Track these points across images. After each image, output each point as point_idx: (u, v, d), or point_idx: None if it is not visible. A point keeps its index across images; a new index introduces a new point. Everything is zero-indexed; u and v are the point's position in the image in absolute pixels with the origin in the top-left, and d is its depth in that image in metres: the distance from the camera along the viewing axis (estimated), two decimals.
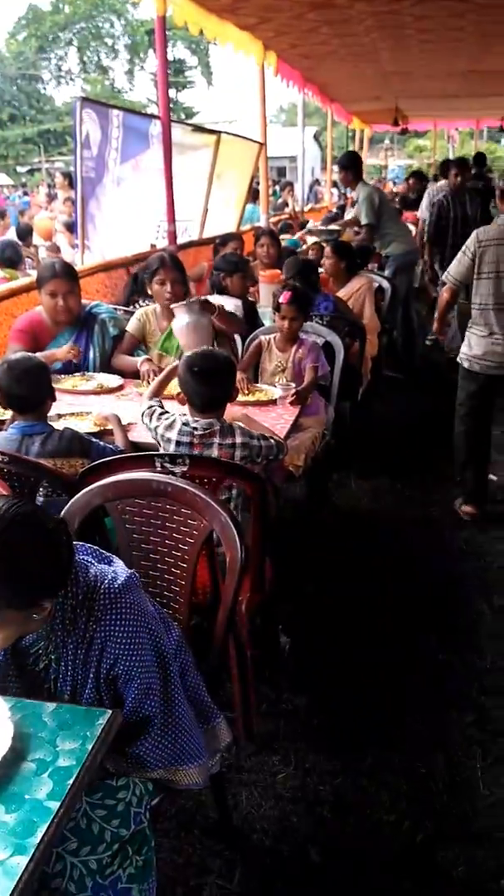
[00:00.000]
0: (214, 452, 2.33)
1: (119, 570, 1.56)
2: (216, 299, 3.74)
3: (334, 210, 9.77)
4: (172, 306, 3.34)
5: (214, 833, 2.06)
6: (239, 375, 3.35)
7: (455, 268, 3.76)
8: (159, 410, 2.50)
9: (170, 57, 30.18)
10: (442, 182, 9.37)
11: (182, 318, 3.27)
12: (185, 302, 3.30)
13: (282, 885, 1.93)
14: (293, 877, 1.95)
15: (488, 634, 2.93)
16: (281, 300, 3.59)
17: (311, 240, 6.97)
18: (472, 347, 3.77)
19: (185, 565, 1.91)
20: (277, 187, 13.87)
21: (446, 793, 2.20)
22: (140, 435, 2.67)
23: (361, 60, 8.19)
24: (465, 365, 3.81)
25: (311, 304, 3.92)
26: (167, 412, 2.49)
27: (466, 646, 2.86)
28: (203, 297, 3.25)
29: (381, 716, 2.51)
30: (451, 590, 3.26)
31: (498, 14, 6.08)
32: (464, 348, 3.84)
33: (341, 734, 2.43)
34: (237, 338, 4.00)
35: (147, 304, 3.90)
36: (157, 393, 2.79)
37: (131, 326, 3.66)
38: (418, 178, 11.62)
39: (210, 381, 2.36)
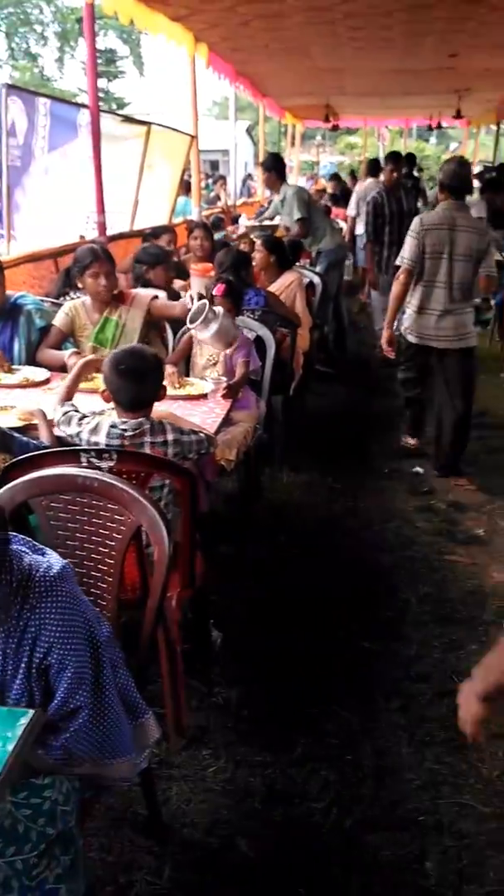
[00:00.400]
0: (147, 451, 2.30)
1: (54, 560, 1.55)
2: (141, 292, 3.71)
3: (266, 205, 9.80)
4: (191, 328, 3.32)
5: (144, 830, 2.05)
6: (169, 369, 3.33)
7: (407, 251, 4.18)
8: (77, 415, 2.41)
9: (101, 46, 29.75)
10: (370, 180, 9.52)
11: (208, 330, 3.27)
12: (200, 320, 3.24)
13: (212, 878, 1.93)
14: (223, 869, 1.96)
15: (414, 623, 3.00)
16: (214, 293, 3.58)
17: (242, 233, 6.97)
18: (411, 321, 4.32)
19: (112, 562, 1.89)
20: (210, 180, 13.81)
21: (373, 779, 2.24)
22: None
23: (293, 56, 8.23)
24: (408, 337, 4.40)
25: (242, 298, 3.93)
26: (86, 416, 2.41)
27: (393, 635, 2.92)
28: (204, 303, 3.26)
29: (310, 706, 2.54)
30: (380, 580, 3.33)
31: (425, 14, 6.21)
32: (405, 321, 4.38)
33: (272, 726, 2.45)
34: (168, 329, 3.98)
35: (76, 298, 3.83)
36: (69, 396, 2.64)
37: (59, 320, 3.59)
38: (337, 180, 12.09)
39: (137, 380, 2.30)
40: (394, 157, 7.28)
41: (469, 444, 4.60)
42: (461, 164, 4.33)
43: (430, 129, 17.42)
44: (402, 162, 7.50)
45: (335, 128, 14.88)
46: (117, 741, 1.59)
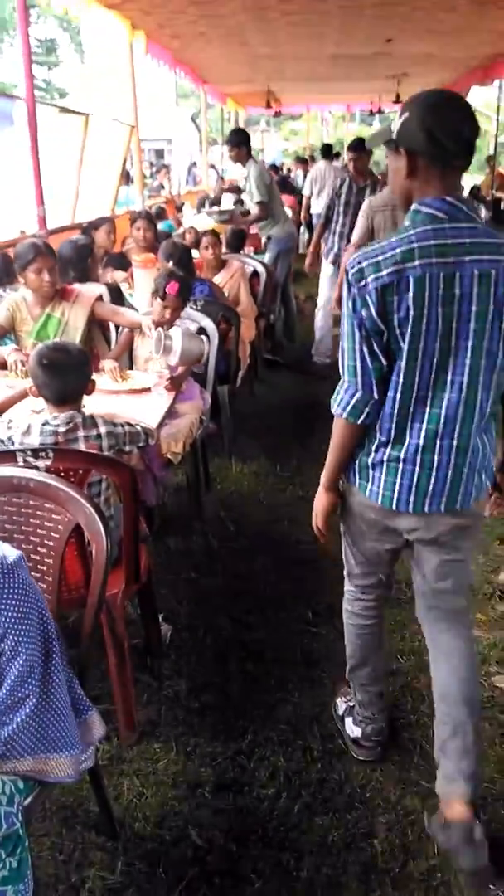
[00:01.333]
0: (81, 446, 2.29)
1: (7, 550, 1.55)
2: (84, 290, 3.67)
3: (211, 194, 9.75)
4: (156, 358, 3.34)
5: (96, 826, 2.06)
6: (110, 364, 3.32)
7: (357, 232, 4.79)
8: (2, 422, 2.41)
9: (40, 35, 29.11)
10: (323, 162, 9.48)
11: (173, 357, 3.28)
12: (160, 351, 3.27)
13: (164, 871, 1.95)
14: (176, 861, 1.98)
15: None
16: (168, 290, 3.53)
17: (186, 224, 6.93)
18: None
19: (51, 561, 1.89)
20: (153, 169, 13.68)
21: (321, 762, 2.28)
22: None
23: (231, 42, 8.20)
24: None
25: (192, 292, 3.90)
26: (11, 420, 2.40)
27: (338, 616, 2.95)
28: (158, 333, 3.29)
29: (262, 694, 2.57)
30: (330, 566, 3.36)
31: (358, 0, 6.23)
32: None
33: (222, 716, 2.48)
34: (112, 325, 3.95)
35: (10, 292, 3.77)
36: (2, 409, 2.66)
37: None
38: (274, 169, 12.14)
39: (61, 374, 2.30)
40: (358, 145, 6.10)
41: None
42: None
43: (371, 113, 17.50)
44: (369, 152, 6.18)
45: (278, 114, 14.85)
46: (61, 735, 1.59)
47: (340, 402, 1.85)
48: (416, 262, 1.70)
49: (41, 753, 1.57)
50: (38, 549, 1.92)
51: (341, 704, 2.47)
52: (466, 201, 1.78)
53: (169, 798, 2.16)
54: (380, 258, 1.73)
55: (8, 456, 2.11)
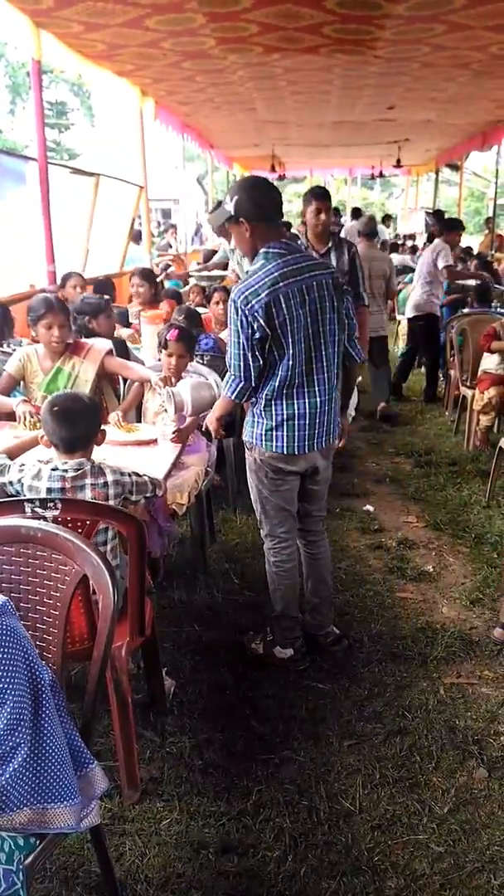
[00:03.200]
0: (88, 494, 2.31)
1: None
2: (96, 344, 3.73)
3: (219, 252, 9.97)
4: (174, 420, 3.33)
5: (97, 888, 2.00)
6: (115, 415, 3.36)
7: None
8: (16, 465, 2.41)
9: (51, 98, 30.15)
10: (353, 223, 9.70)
11: (187, 409, 3.32)
12: (173, 409, 3.28)
13: None
14: None
15: (366, 661, 3.01)
16: (168, 337, 3.63)
17: (192, 282, 7.08)
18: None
19: (57, 612, 1.88)
20: (161, 228, 14.02)
21: (328, 823, 2.23)
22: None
23: (238, 109, 8.50)
24: None
25: (195, 343, 3.98)
26: (23, 464, 2.41)
27: (346, 674, 2.93)
28: (167, 391, 3.33)
29: (265, 752, 2.52)
30: (333, 618, 3.33)
31: (362, 70, 6.48)
32: None
33: (226, 774, 2.43)
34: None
35: (18, 345, 3.84)
36: (12, 454, 2.63)
37: (10, 366, 3.60)
38: None
39: (72, 421, 2.36)
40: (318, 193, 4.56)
41: (415, 481, 5.00)
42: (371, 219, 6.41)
43: (372, 177, 18.00)
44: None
45: (282, 177, 15.28)
46: (58, 784, 1.56)
47: (230, 389, 2.73)
48: (281, 283, 2.60)
49: (38, 804, 1.54)
50: (45, 599, 1.91)
51: (258, 646, 3.03)
52: (293, 239, 2.83)
53: (172, 859, 2.10)
54: (257, 286, 2.60)
55: (16, 507, 2.12)
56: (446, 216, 10.14)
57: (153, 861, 2.10)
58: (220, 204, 3.33)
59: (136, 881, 2.04)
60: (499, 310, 6.53)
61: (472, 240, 15.26)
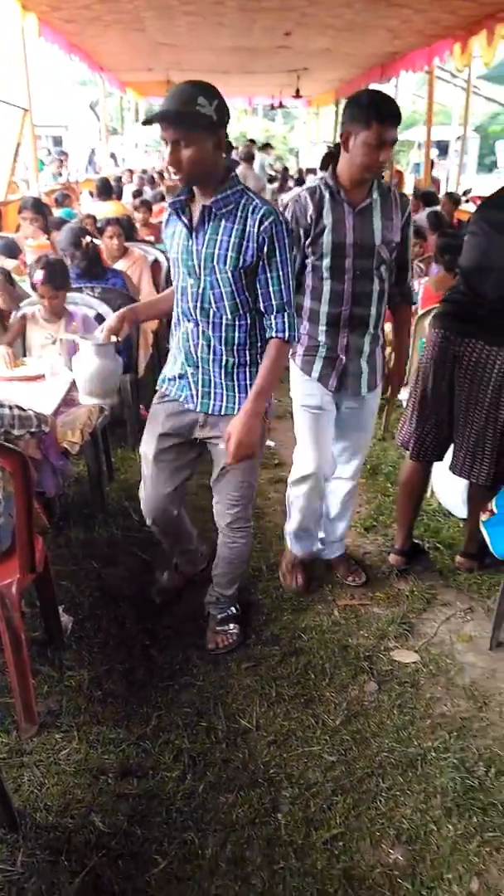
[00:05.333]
0: None
1: None
2: None
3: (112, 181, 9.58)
4: (79, 338, 2.67)
5: None
6: (2, 350, 3.23)
7: None
8: None
9: None
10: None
11: (90, 359, 2.40)
12: (99, 341, 2.39)
13: (67, 858, 1.92)
14: (79, 848, 1.96)
15: (264, 589, 3.09)
16: (34, 281, 3.45)
17: (84, 211, 6.80)
18: None
19: None
20: (51, 156, 13.35)
21: (226, 742, 2.30)
22: None
23: (128, 29, 8.08)
24: None
25: (67, 275, 3.76)
26: None
27: (244, 602, 2.99)
28: (116, 341, 2.41)
29: (165, 680, 2.56)
30: None
31: None
32: None
33: (126, 703, 2.45)
34: None
35: None
36: None
37: None
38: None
39: None
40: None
41: None
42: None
43: (272, 107, 17.64)
44: None
45: None
46: None
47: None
48: None
49: None
50: None
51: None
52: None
53: (71, 787, 2.13)
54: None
55: None
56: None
57: (52, 790, 2.12)
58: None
59: (34, 810, 2.05)
60: None
61: None
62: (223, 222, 2.16)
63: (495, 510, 2.78)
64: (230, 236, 2.16)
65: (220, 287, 2.21)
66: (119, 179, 9.96)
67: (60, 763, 2.20)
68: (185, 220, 2.22)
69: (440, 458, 3.07)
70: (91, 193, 8.75)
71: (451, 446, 2.99)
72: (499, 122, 25.67)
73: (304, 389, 2.87)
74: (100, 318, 3.79)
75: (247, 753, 2.27)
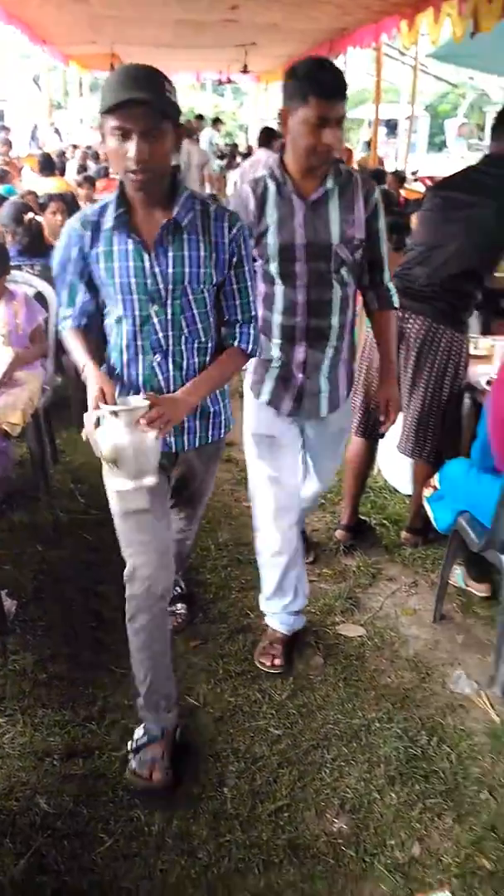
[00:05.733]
0: None
1: None
2: None
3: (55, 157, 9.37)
4: (102, 410, 1.86)
5: None
6: None
7: None
8: None
9: None
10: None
11: (119, 433, 1.88)
12: (125, 406, 1.84)
13: (11, 840, 1.91)
14: (23, 829, 1.95)
15: (212, 568, 3.09)
16: None
17: (26, 187, 6.65)
18: None
19: None
20: None
21: None
22: None
23: (70, 0, 7.85)
24: None
25: (7, 259, 3.66)
26: None
27: (193, 581, 2.99)
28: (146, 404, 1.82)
29: (112, 661, 2.55)
30: None
31: None
32: None
33: (72, 685, 2.44)
34: None
35: None
36: None
37: None
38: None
39: None
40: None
41: None
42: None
43: (220, 83, 17.43)
44: None
45: None
46: None
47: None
48: None
49: None
50: None
51: None
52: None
53: (15, 770, 2.11)
54: None
55: None
56: None
57: None
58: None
59: None
60: None
61: None
62: (186, 235, 1.85)
63: (438, 486, 2.82)
64: (199, 250, 1.86)
65: (192, 309, 1.91)
66: (62, 155, 9.75)
67: (4, 747, 2.19)
68: (136, 237, 1.85)
69: (384, 436, 3.10)
70: (33, 169, 8.54)
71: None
72: (448, 101, 25.82)
73: (254, 414, 2.50)
74: (39, 297, 3.72)
75: (193, 730, 2.28)
